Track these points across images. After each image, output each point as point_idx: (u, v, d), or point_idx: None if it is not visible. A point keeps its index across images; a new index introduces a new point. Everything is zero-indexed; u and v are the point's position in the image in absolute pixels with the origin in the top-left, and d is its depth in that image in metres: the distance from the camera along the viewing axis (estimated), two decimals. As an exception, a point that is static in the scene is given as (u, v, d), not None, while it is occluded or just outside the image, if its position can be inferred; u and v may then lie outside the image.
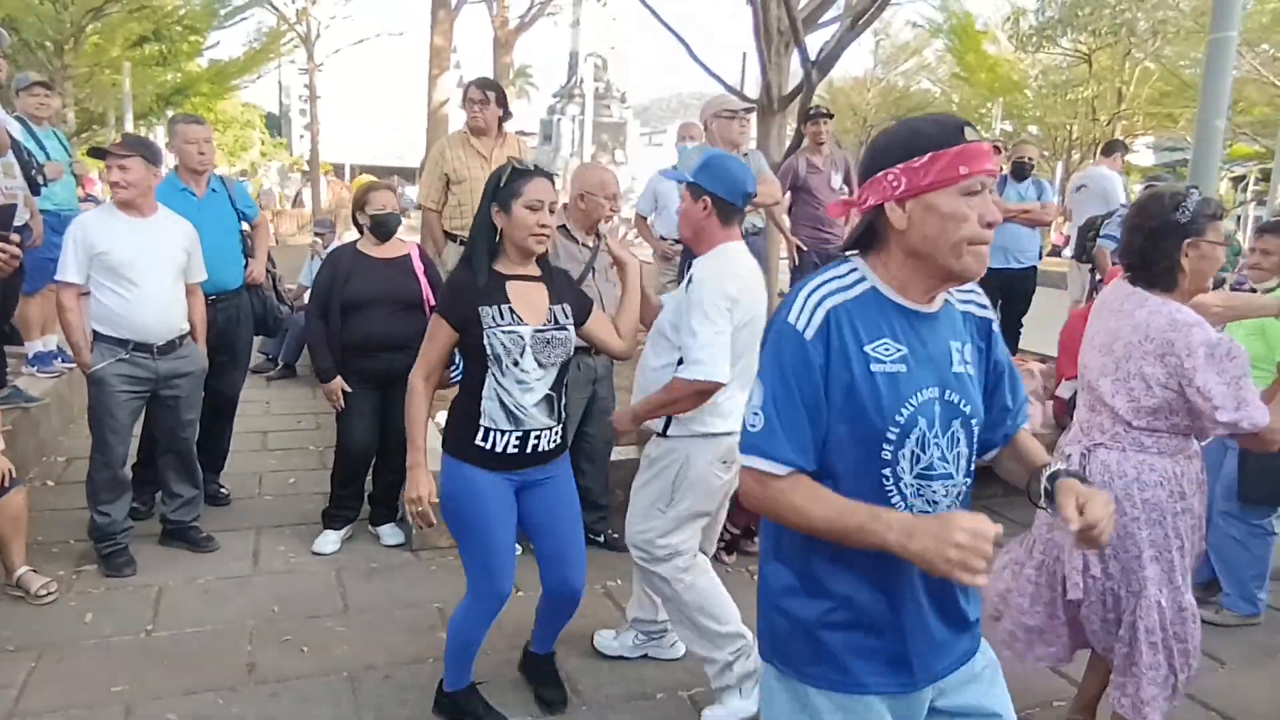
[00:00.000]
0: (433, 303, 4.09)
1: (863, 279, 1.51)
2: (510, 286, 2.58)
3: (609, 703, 3.03)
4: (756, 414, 1.48)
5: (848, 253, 1.57)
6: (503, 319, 2.52)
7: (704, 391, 2.65)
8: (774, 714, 1.63)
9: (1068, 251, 9.37)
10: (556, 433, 2.65)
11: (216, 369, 4.33)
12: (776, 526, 1.55)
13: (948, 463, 1.51)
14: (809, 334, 1.45)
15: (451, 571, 3.99)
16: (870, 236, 1.52)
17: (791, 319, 1.47)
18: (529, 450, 2.60)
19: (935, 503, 1.51)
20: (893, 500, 1.48)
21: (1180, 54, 19.88)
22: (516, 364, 2.52)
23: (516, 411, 2.55)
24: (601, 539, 4.12)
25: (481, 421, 2.56)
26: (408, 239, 4.24)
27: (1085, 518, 1.43)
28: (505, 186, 2.53)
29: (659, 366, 2.80)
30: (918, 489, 1.49)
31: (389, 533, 4.26)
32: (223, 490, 4.69)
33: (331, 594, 3.74)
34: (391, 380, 4.05)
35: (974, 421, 1.55)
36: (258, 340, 6.21)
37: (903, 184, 1.43)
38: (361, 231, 4.06)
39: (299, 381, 7.48)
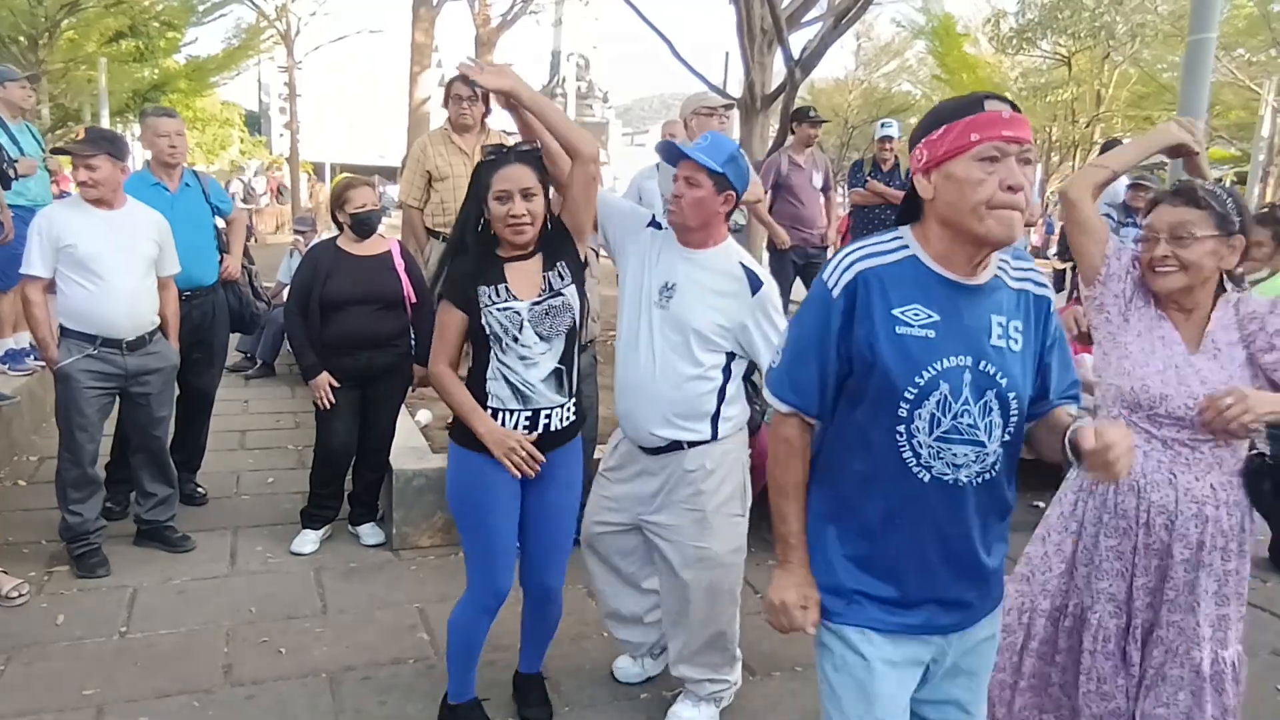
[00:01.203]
0: (414, 300, 4.04)
1: (904, 247, 1.61)
2: (509, 268, 2.52)
3: (592, 703, 3.00)
4: (776, 355, 1.72)
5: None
6: (498, 297, 2.47)
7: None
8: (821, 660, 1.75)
9: (1051, 251, 9.42)
10: (569, 409, 2.57)
11: (192, 366, 4.27)
12: (818, 458, 1.72)
13: (978, 430, 1.58)
14: (835, 292, 1.59)
15: (432, 571, 3.95)
16: (914, 210, 1.64)
17: (825, 276, 1.62)
18: (540, 429, 2.52)
19: (958, 465, 1.59)
20: (904, 455, 1.59)
21: (1158, 57, 20.09)
22: (516, 340, 2.46)
23: (524, 389, 2.49)
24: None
25: (489, 404, 2.50)
26: (388, 236, 4.19)
27: (1101, 439, 1.46)
28: (479, 181, 2.48)
29: (694, 375, 2.62)
30: (937, 451, 1.58)
31: (368, 532, 4.21)
32: (199, 490, 4.62)
33: (310, 594, 3.69)
34: (371, 378, 4.01)
35: (1012, 395, 1.60)
36: (236, 338, 6.14)
37: (925, 156, 1.55)
38: (341, 229, 4.01)
39: (278, 380, 7.40)
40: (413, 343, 4.10)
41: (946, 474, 1.59)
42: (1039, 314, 1.66)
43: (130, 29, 18.24)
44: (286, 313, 4.05)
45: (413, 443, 4.42)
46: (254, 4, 21.08)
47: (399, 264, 4.02)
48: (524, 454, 2.46)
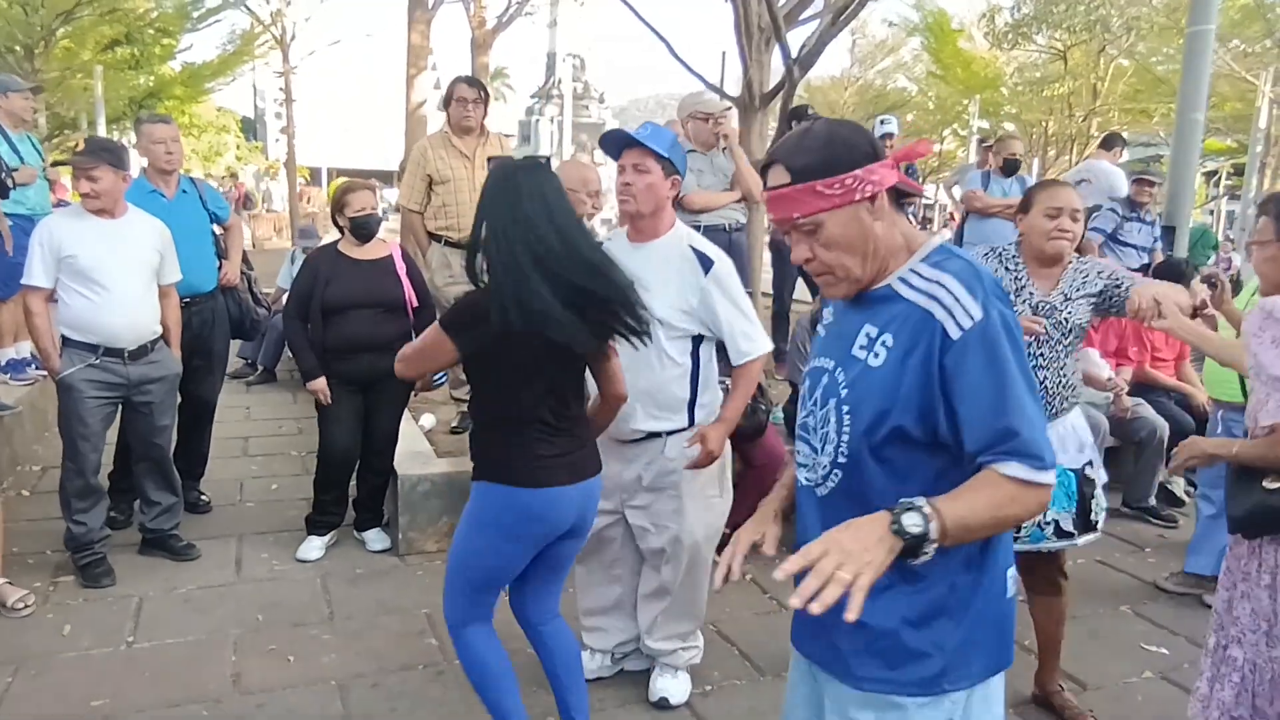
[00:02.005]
0: (415, 304, 4.03)
1: None
2: None
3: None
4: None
5: None
6: None
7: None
8: None
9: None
10: None
11: (193, 374, 4.25)
12: None
13: (814, 434, 1.59)
14: None
15: (439, 576, 3.88)
16: None
17: None
18: None
19: (802, 464, 1.63)
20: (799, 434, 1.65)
21: (1153, 50, 20.04)
22: None
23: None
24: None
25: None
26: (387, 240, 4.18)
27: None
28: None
29: (664, 365, 2.71)
30: (800, 438, 1.64)
31: (374, 538, 4.19)
32: (203, 498, 4.60)
33: (317, 601, 3.67)
34: (373, 383, 4.00)
35: (846, 409, 1.49)
36: (236, 345, 6.12)
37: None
38: (342, 233, 3.99)
39: (279, 386, 7.38)
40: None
41: (801, 474, 1.63)
42: (929, 344, 1.41)
43: (125, 36, 18.17)
44: (286, 317, 4.03)
45: (417, 447, 4.41)
46: (249, 9, 21.05)
47: (400, 268, 4.01)
48: None
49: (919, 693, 1.48)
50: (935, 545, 1.31)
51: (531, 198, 2.18)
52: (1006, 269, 2.92)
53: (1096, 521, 2.90)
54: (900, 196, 1.58)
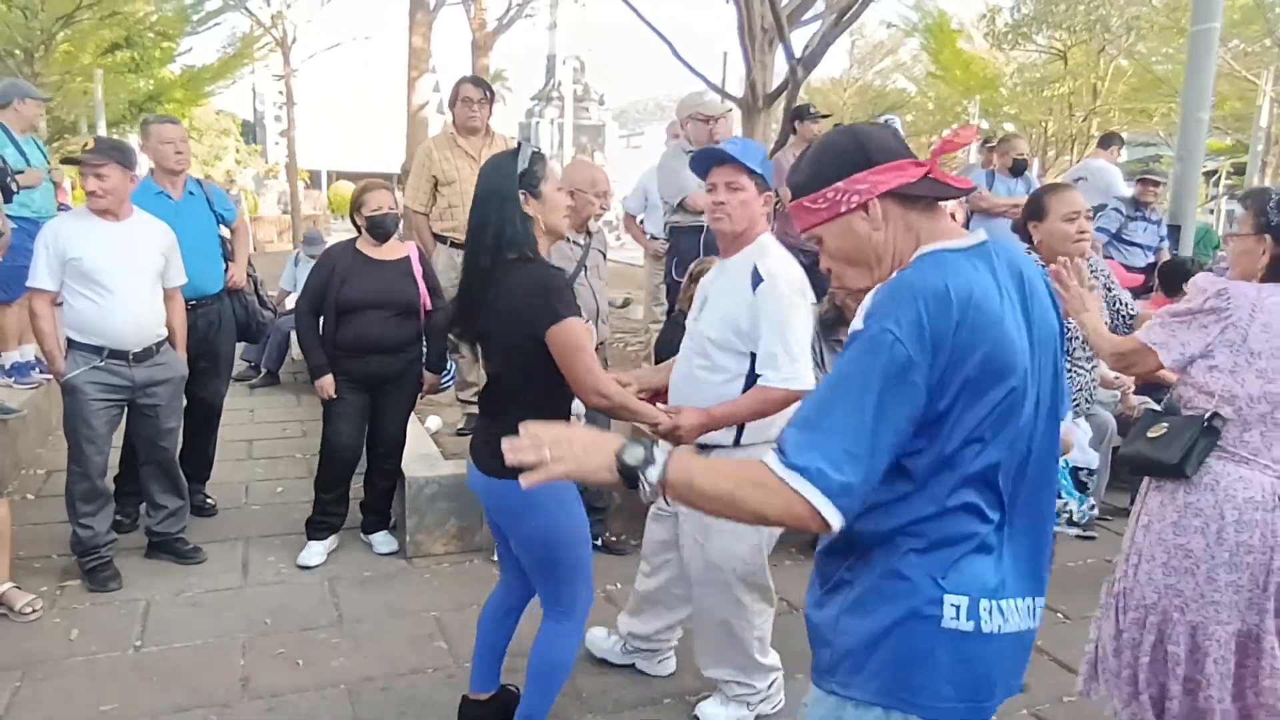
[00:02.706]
0: (429, 307, 4.01)
1: None
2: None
3: (616, 709, 2.97)
4: None
5: None
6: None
7: (793, 400, 2.50)
8: None
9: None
10: None
11: (198, 376, 4.24)
12: None
13: None
14: None
15: (447, 579, 3.92)
16: None
17: None
18: None
19: None
20: None
21: (1154, 50, 20.04)
22: None
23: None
24: (599, 542, 4.06)
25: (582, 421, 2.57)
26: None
27: None
28: (528, 172, 2.38)
29: (710, 378, 2.60)
30: None
31: (381, 540, 4.17)
32: (209, 501, 4.59)
33: (325, 605, 3.66)
34: (382, 383, 3.98)
35: None
36: (240, 347, 6.10)
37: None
38: (359, 231, 3.98)
39: (283, 389, 7.37)
40: (424, 350, 4.07)
41: None
42: None
43: (125, 40, 18.17)
44: (298, 313, 4.02)
45: (424, 450, 4.39)
46: (249, 12, 21.05)
47: (417, 270, 3.99)
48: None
49: (815, 681, 1.53)
50: (654, 489, 1.35)
51: None
52: None
53: (1077, 523, 3.01)
54: (938, 195, 1.52)
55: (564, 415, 2.46)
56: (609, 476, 1.36)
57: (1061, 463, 2.97)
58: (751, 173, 2.56)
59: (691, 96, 5.63)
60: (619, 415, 2.56)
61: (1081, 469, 3.03)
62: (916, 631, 1.42)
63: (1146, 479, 2.54)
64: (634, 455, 1.35)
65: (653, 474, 1.34)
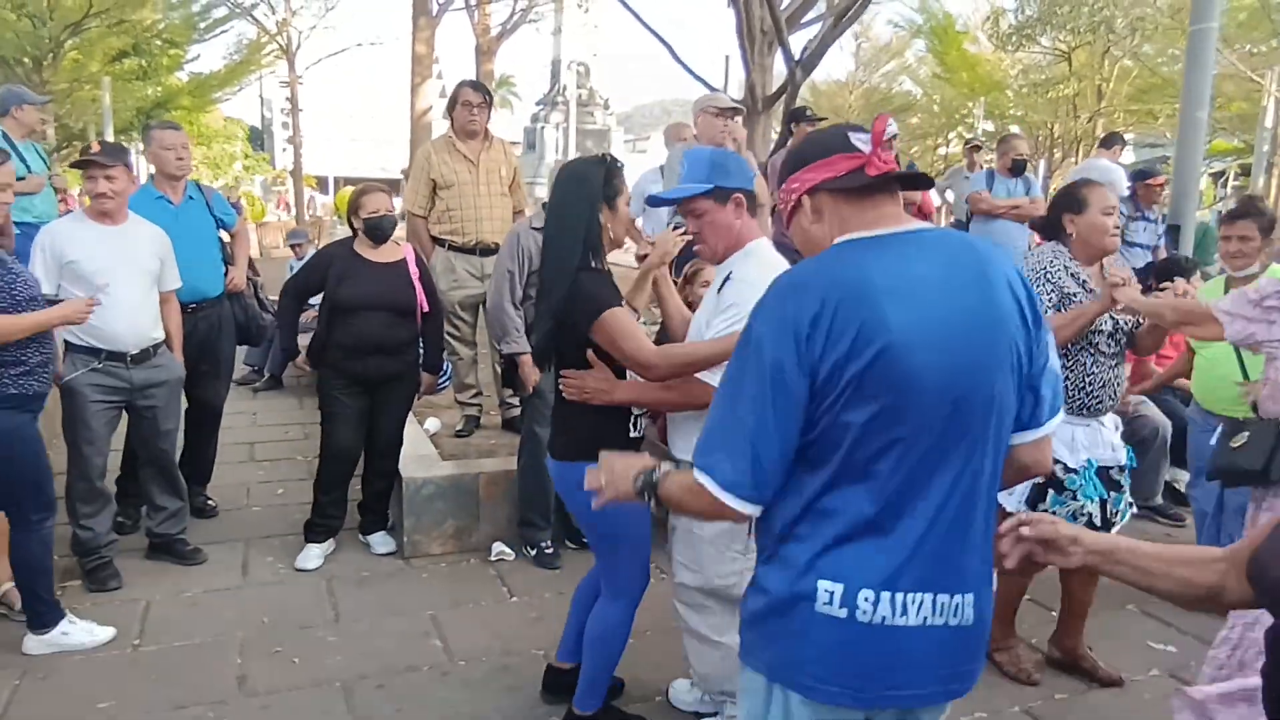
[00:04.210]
0: (426, 309, 4.04)
1: None
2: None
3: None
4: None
5: None
6: (635, 312, 2.57)
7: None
8: None
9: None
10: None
11: (199, 379, 4.27)
12: None
13: None
14: None
15: (444, 578, 3.95)
16: None
17: None
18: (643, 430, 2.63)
19: None
20: None
21: (1159, 50, 20.03)
22: None
23: None
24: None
25: (633, 410, 2.56)
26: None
27: None
28: (609, 184, 2.52)
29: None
30: None
31: (379, 541, 4.20)
32: (210, 502, 4.62)
33: (322, 604, 3.68)
34: (379, 384, 4.01)
35: None
36: (243, 352, 6.14)
37: None
38: (356, 234, 4.02)
39: (285, 392, 7.41)
40: (420, 351, 4.10)
41: None
42: None
43: (133, 48, 18.33)
44: (282, 292, 4.11)
45: (422, 451, 4.42)
46: (255, 19, 21.20)
47: (414, 272, 4.02)
48: None
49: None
50: (654, 500, 1.60)
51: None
52: (1070, 273, 2.99)
53: (1112, 523, 2.96)
54: (903, 186, 1.59)
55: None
56: (636, 495, 1.62)
57: (1084, 462, 2.94)
58: (704, 193, 2.44)
59: (707, 95, 5.68)
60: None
61: (1111, 467, 3.00)
62: (794, 612, 1.47)
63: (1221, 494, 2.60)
64: (644, 477, 1.61)
65: (657, 491, 1.59)
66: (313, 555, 4.06)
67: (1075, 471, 2.91)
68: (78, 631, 3.26)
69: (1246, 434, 2.57)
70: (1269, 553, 1.18)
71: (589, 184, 2.51)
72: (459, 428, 4.85)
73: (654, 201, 2.67)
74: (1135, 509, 3.12)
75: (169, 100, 20.75)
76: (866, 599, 1.42)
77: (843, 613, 1.43)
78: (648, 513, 2.56)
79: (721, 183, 2.43)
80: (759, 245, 2.51)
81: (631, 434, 2.55)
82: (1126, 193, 6.45)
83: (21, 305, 2.99)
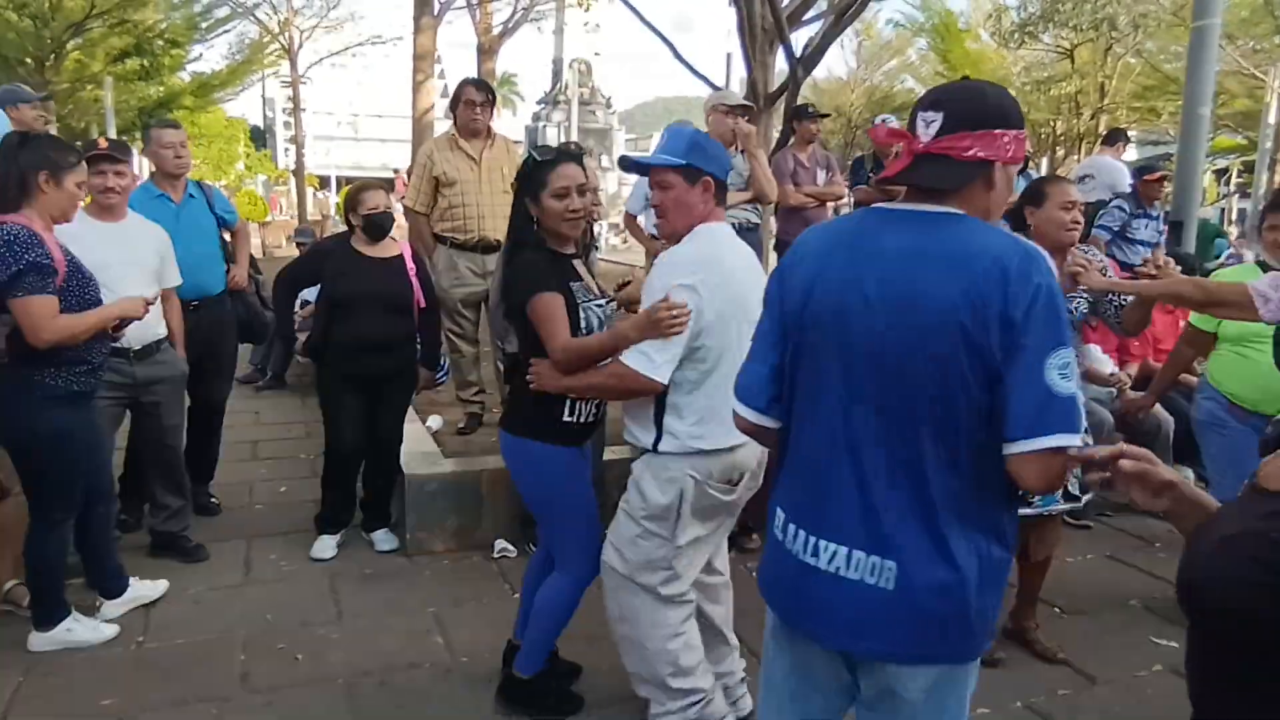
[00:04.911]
0: (423, 304, 4.05)
1: None
2: (575, 265, 2.69)
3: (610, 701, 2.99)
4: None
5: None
6: (585, 294, 2.61)
7: (635, 389, 2.40)
8: None
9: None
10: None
11: (202, 376, 4.28)
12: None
13: None
14: None
15: (447, 576, 3.95)
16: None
17: None
18: (596, 416, 2.72)
19: None
20: None
21: (1161, 47, 19.98)
22: (591, 334, 2.58)
23: None
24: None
25: (568, 396, 2.59)
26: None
27: None
28: (531, 179, 2.61)
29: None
30: None
31: (382, 538, 4.20)
32: (213, 500, 4.63)
33: (325, 601, 3.69)
34: (378, 382, 4.02)
35: None
36: (246, 351, 6.15)
37: (1013, 150, 1.59)
38: (353, 230, 4.02)
39: (288, 391, 7.41)
40: (418, 347, 4.11)
41: None
42: None
43: (135, 48, 18.32)
44: (278, 279, 4.12)
45: (424, 448, 4.42)
46: (257, 19, 21.21)
47: (411, 268, 4.03)
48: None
49: None
50: None
51: None
52: None
53: (1074, 492, 3.15)
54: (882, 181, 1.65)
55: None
56: None
57: None
58: (675, 168, 2.41)
59: (719, 93, 5.68)
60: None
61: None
62: (769, 549, 1.77)
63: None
64: None
65: None
66: (327, 545, 4.09)
67: None
68: (82, 629, 3.27)
69: None
70: (1184, 558, 1.24)
71: (521, 180, 2.67)
72: (461, 425, 4.85)
73: (624, 163, 2.66)
74: (1092, 496, 3.27)
75: (171, 100, 20.75)
76: (780, 516, 1.71)
77: (776, 534, 1.72)
78: (583, 481, 2.74)
79: (695, 162, 2.42)
80: (704, 229, 2.47)
81: (565, 417, 2.62)
82: (1129, 190, 6.43)
83: (90, 307, 3.10)
